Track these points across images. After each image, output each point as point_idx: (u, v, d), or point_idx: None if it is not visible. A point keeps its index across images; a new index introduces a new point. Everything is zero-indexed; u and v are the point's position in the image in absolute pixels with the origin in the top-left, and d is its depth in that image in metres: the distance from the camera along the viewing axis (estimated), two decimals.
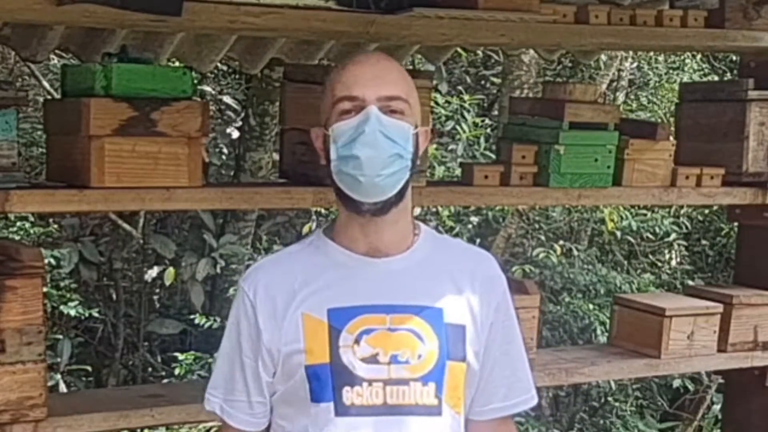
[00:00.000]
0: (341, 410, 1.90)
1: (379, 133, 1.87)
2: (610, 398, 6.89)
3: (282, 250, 2.15)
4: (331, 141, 1.92)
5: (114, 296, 6.63)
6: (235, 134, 6.62)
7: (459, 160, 6.39)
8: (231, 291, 6.01)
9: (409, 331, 1.93)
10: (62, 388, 5.57)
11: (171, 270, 6.16)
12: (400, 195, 1.93)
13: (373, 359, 1.91)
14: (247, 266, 5.07)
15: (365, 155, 1.87)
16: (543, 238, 7.17)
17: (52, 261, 5.63)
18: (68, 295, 5.87)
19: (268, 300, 1.96)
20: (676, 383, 6.88)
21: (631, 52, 7.35)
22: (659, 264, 7.76)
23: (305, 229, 5.98)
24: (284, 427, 2.00)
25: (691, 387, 6.90)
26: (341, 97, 1.91)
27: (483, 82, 8.15)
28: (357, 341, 1.91)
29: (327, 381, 1.91)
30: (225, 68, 6.88)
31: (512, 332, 2.07)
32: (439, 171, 6.21)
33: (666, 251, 7.81)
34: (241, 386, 2.00)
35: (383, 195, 1.90)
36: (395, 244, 1.98)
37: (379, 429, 1.90)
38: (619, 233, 7.25)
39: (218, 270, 6.16)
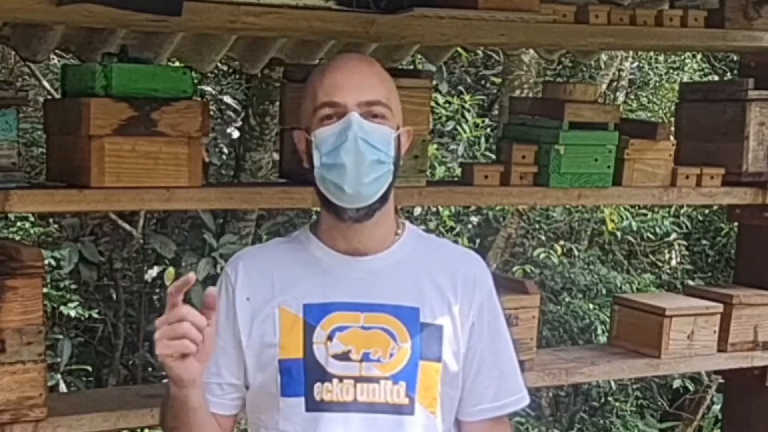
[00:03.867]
0: (312, 405, 1.92)
1: (361, 140, 1.88)
2: (610, 398, 6.89)
3: (269, 241, 2.17)
4: (314, 147, 1.92)
5: (114, 296, 6.62)
6: (235, 134, 6.61)
7: (459, 160, 6.39)
8: None
9: (382, 330, 1.94)
10: (62, 388, 5.56)
11: (171, 270, 6.15)
12: (384, 199, 1.94)
13: (345, 356, 1.92)
14: None
15: (349, 162, 1.87)
16: (543, 238, 7.17)
17: (52, 261, 5.63)
18: (68, 296, 5.86)
19: (247, 289, 1.98)
20: (676, 383, 6.88)
21: (631, 52, 7.34)
22: (659, 264, 7.76)
23: None
24: (261, 419, 2.01)
25: (691, 387, 6.90)
26: (322, 103, 1.92)
27: (483, 82, 8.14)
28: (330, 338, 1.93)
29: (299, 376, 1.92)
30: (225, 68, 6.87)
31: (499, 332, 2.07)
32: (440, 171, 6.21)
33: (666, 251, 7.81)
34: (213, 368, 2.00)
35: (367, 201, 1.91)
36: (375, 244, 1.99)
37: (349, 426, 1.92)
38: (619, 233, 7.25)
39: (218, 270, 6.15)
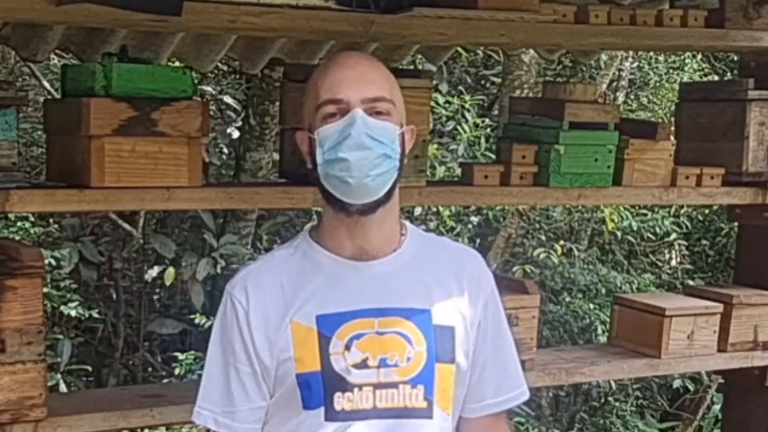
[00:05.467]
0: (331, 415, 1.90)
1: (366, 135, 1.86)
2: (610, 398, 6.89)
3: (268, 254, 2.11)
4: (317, 145, 1.89)
5: (114, 296, 6.63)
6: (235, 134, 6.61)
7: (459, 160, 6.39)
8: None
9: (398, 334, 1.92)
10: (62, 388, 5.56)
11: (171, 270, 6.15)
12: (389, 195, 1.92)
13: (363, 364, 1.90)
14: None
15: (353, 158, 1.85)
16: (543, 238, 7.17)
17: (52, 261, 5.63)
18: (68, 296, 5.86)
19: (260, 309, 1.94)
20: (676, 383, 6.88)
21: (631, 52, 7.35)
22: (659, 264, 7.77)
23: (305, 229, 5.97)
24: None
25: (691, 387, 6.90)
26: (325, 100, 1.89)
27: (483, 82, 8.14)
28: (347, 347, 1.90)
29: (318, 388, 1.90)
30: (225, 68, 6.88)
31: (501, 328, 2.07)
32: (440, 171, 6.21)
33: (666, 251, 7.81)
34: (241, 395, 1.96)
35: (373, 196, 1.89)
36: (382, 246, 1.97)
37: None
38: (619, 233, 7.25)
39: (218, 270, 6.15)
